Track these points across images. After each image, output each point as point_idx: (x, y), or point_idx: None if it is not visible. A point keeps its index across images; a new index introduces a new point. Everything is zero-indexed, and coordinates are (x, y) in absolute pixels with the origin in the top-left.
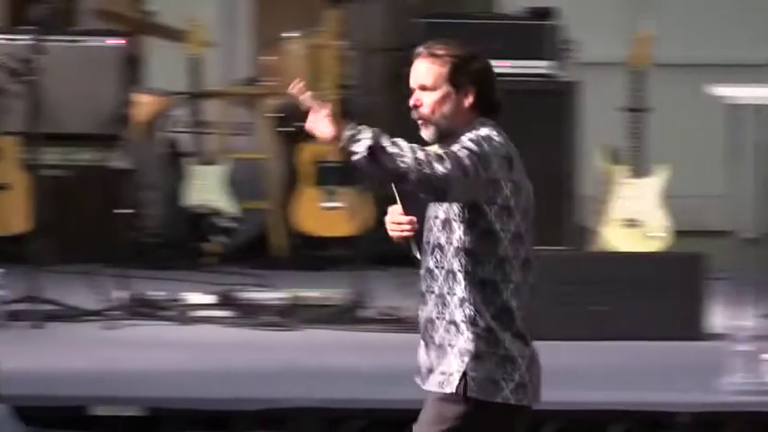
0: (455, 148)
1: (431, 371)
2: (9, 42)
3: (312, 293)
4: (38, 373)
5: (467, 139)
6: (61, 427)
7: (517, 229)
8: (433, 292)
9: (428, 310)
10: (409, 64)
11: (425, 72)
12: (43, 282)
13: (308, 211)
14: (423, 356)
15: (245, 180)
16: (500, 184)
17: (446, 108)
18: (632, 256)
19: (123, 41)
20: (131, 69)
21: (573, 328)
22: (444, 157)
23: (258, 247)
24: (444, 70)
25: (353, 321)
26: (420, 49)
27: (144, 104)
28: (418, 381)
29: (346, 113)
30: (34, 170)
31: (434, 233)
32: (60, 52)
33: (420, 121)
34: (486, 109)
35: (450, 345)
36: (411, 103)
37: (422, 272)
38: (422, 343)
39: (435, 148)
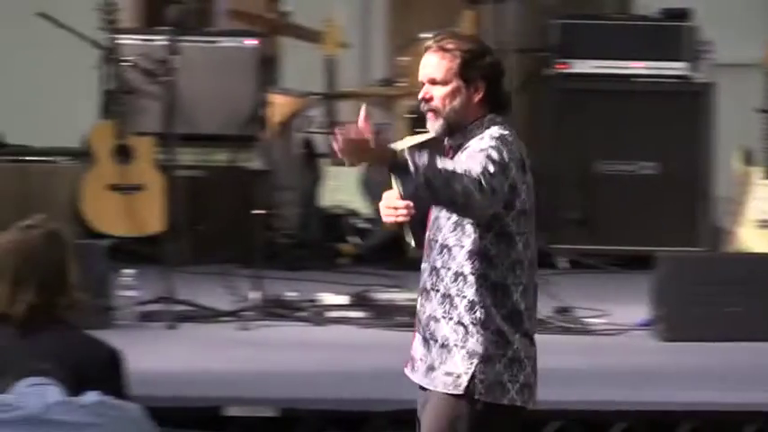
0: (481, 159)
1: (432, 368)
2: (145, 43)
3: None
4: (172, 374)
5: (490, 147)
6: (195, 427)
7: (530, 230)
8: (438, 290)
9: (431, 308)
10: (547, 65)
11: (436, 66)
12: (177, 282)
13: None
14: (421, 351)
15: (380, 181)
16: (518, 189)
17: (456, 102)
18: (766, 257)
19: (258, 42)
20: (266, 70)
21: (707, 328)
22: (482, 182)
23: (393, 248)
24: (455, 65)
25: None
26: (430, 43)
27: (279, 105)
28: (409, 372)
29: None
30: (169, 171)
31: (444, 233)
32: (195, 53)
33: (430, 115)
34: (495, 105)
35: (455, 345)
36: (420, 96)
37: (425, 266)
38: (419, 337)
39: (470, 166)
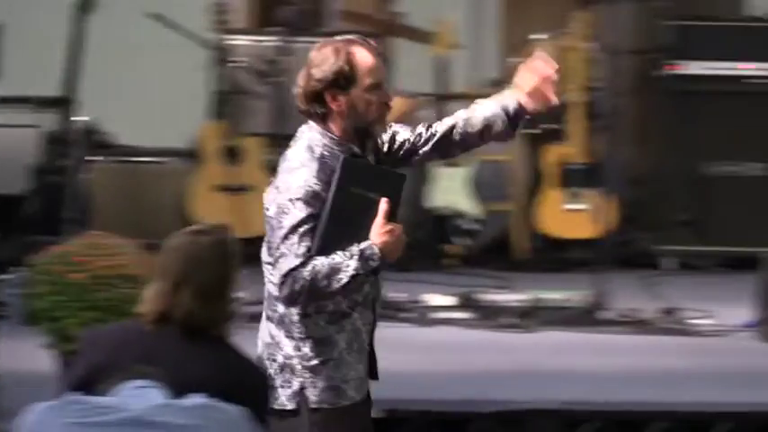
0: None
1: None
2: (256, 44)
3: (553, 295)
4: None
5: None
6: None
7: None
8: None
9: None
10: (658, 66)
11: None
12: None
13: (552, 212)
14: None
15: (489, 182)
16: None
17: None
18: None
19: None
20: None
21: None
22: None
23: (500, 249)
24: None
25: (593, 323)
26: (372, 43)
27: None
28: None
29: (593, 115)
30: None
31: None
32: (307, 54)
33: (383, 120)
34: None
35: None
36: (389, 99)
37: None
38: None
39: None
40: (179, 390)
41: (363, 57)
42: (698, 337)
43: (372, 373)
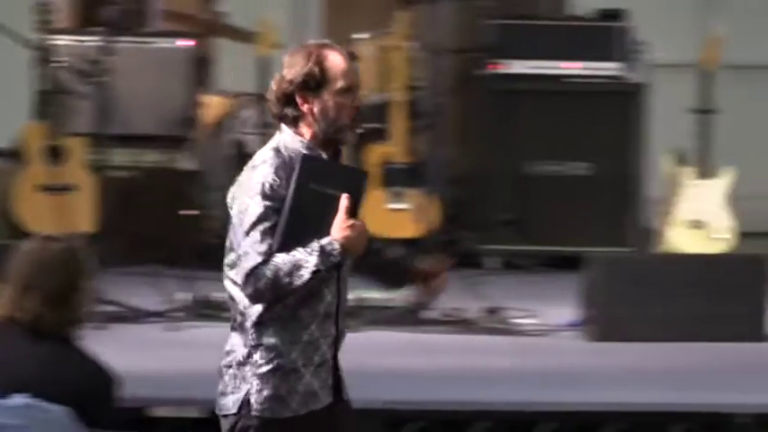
0: None
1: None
2: (78, 43)
3: (375, 295)
4: None
5: None
6: (120, 428)
7: None
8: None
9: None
10: (480, 66)
11: None
12: (107, 283)
13: (374, 212)
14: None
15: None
16: None
17: None
18: (696, 257)
19: (193, 43)
20: (200, 70)
21: (636, 329)
22: None
23: None
24: None
25: (417, 323)
26: (345, 48)
27: (212, 106)
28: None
29: (415, 115)
30: (101, 171)
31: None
32: (129, 53)
33: (355, 126)
34: None
35: None
36: (360, 104)
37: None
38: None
39: None
40: (18, 391)
41: (335, 60)
42: (521, 337)
43: (337, 388)
